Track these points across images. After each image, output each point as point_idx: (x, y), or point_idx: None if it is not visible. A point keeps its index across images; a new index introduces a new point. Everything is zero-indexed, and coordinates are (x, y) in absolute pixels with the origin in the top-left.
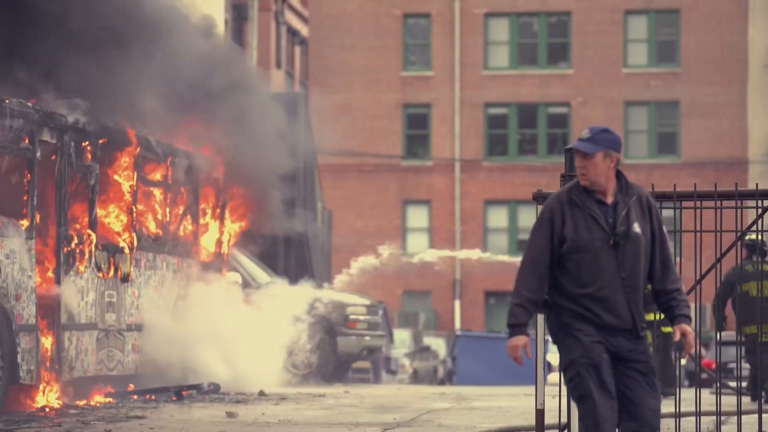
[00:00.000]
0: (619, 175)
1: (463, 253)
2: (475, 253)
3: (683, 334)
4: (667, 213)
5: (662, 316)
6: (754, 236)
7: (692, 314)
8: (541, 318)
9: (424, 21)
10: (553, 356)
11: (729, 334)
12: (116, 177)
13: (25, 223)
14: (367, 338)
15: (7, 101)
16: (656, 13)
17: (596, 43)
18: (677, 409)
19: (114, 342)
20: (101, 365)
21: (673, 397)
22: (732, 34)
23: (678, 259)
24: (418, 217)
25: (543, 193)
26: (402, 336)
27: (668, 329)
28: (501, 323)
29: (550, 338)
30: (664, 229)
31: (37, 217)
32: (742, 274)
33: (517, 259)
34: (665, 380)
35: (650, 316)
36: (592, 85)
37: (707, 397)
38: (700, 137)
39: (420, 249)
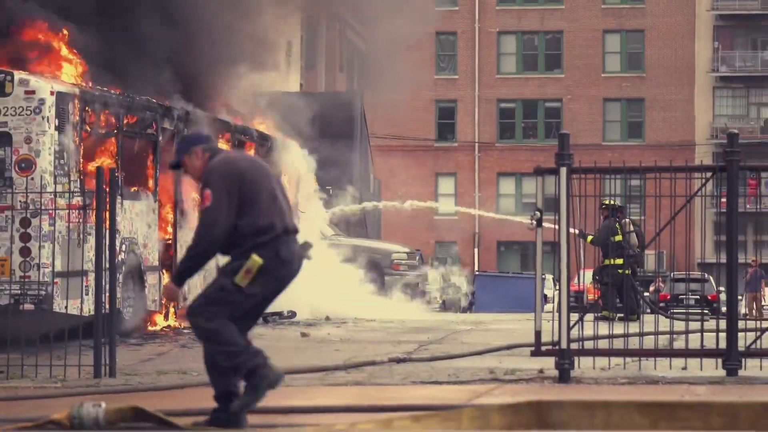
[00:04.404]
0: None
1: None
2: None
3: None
4: (637, 183)
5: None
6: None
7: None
8: (539, 258)
9: (452, 37)
10: (549, 291)
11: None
12: None
13: (151, 189)
14: (407, 277)
15: (137, 98)
16: (627, 32)
17: (582, 54)
18: (641, 329)
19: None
20: None
21: (638, 321)
22: (683, 48)
23: (642, 218)
24: (447, 185)
25: (541, 168)
26: (434, 275)
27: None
28: (509, 265)
29: (546, 275)
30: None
31: (160, 186)
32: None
33: (520, 218)
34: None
35: (607, 261)
36: (578, 86)
37: (663, 321)
38: (659, 126)
39: (448, 210)
